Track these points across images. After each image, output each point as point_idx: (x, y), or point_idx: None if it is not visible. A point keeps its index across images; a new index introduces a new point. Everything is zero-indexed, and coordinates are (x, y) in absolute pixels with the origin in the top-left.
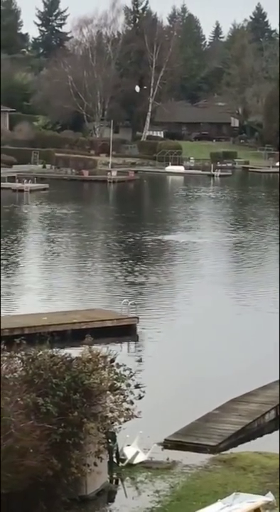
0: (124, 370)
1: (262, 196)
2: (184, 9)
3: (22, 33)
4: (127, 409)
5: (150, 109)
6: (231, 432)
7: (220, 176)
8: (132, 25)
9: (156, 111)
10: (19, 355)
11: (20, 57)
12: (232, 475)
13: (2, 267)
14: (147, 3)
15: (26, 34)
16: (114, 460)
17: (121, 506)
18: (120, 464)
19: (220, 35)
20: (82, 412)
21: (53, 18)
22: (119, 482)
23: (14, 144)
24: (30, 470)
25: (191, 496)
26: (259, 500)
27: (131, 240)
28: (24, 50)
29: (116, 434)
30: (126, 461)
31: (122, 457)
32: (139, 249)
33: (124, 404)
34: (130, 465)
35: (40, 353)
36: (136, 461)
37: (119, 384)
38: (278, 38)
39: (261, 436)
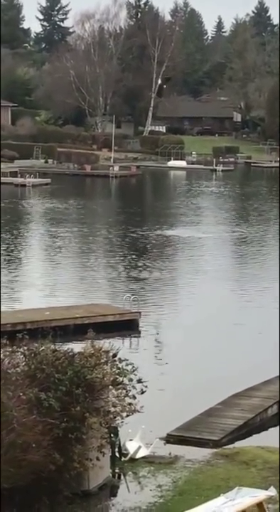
0: (127, 365)
1: (264, 191)
2: (186, 4)
3: (24, 27)
4: (129, 404)
5: (152, 104)
6: (233, 427)
7: (222, 170)
8: (134, 20)
9: (158, 106)
10: (21, 350)
11: (22, 52)
12: (234, 469)
13: (5, 262)
14: None
15: (28, 29)
16: (117, 455)
17: (124, 501)
18: (122, 459)
19: (222, 30)
20: (85, 406)
21: (55, 12)
22: (122, 477)
23: (16, 139)
24: (32, 465)
25: (193, 490)
26: (262, 494)
27: (133, 235)
28: (26, 44)
29: (119, 428)
30: (129, 456)
31: (124, 452)
32: (141, 245)
33: (126, 398)
34: (132, 460)
35: (43, 347)
36: (138, 456)
37: (121, 378)
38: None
39: (263, 430)
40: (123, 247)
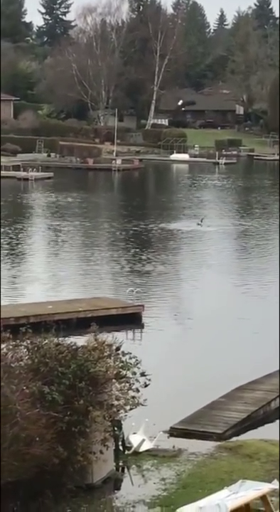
0: (130, 359)
1: (267, 184)
2: None
3: (26, 21)
4: (133, 397)
5: (154, 97)
6: (237, 420)
7: (225, 163)
8: (136, 13)
9: (161, 99)
10: (25, 343)
11: (24, 46)
12: (237, 463)
13: (8, 257)
14: None
15: (30, 22)
16: (120, 448)
17: (128, 494)
18: (126, 452)
19: (225, 23)
20: (88, 400)
21: (57, 6)
22: (125, 470)
23: (19, 133)
24: (36, 458)
25: (197, 483)
26: (265, 487)
27: (136, 228)
28: (28, 38)
29: (122, 422)
30: (132, 449)
31: (128, 445)
32: (144, 238)
33: (129, 392)
34: (136, 453)
35: (46, 341)
36: (142, 449)
37: (124, 372)
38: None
39: (266, 423)
40: (125, 240)
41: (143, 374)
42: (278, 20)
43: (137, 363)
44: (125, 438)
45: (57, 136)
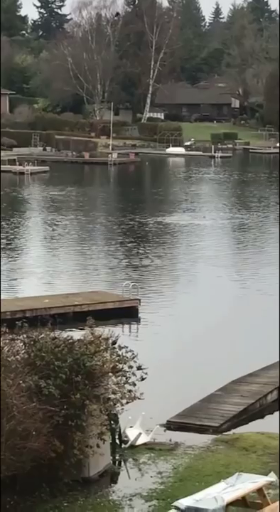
0: (126, 352)
1: (263, 177)
2: None
3: (21, 15)
4: (129, 391)
5: (150, 91)
6: (233, 413)
7: (221, 157)
8: (131, 6)
9: (156, 93)
10: (21, 337)
11: (19, 40)
12: (234, 455)
13: (5, 251)
14: None
15: (25, 16)
16: (117, 442)
17: (124, 487)
18: (123, 446)
19: (220, 16)
20: (85, 394)
21: (52, 0)
22: (122, 463)
23: (14, 127)
24: (32, 452)
25: (194, 476)
26: (262, 480)
27: (132, 222)
28: (23, 32)
29: (119, 415)
30: (129, 443)
31: (125, 439)
32: (140, 232)
33: (126, 385)
34: (133, 446)
35: (42, 335)
36: (138, 443)
37: (121, 366)
38: (278, 19)
39: (263, 416)
40: (122, 234)
41: (139, 368)
42: (273, 14)
43: (133, 357)
44: (122, 432)
45: (52, 130)
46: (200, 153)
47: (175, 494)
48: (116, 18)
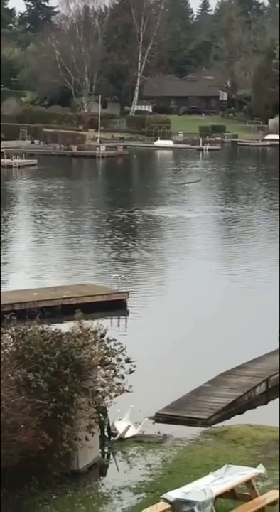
0: (115, 345)
1: (252, 170)
2: None
3: (8, 8)
4: (118, 384)
5: (138, 84)
6: (222, 405)
7: (209, 149)
8: None
9: (144, 85)
10: (9, 331)
11: (7, 33)
12: (223, 448)
13: None
14: None
15: (12, 9)
16: (106, 434)
17: (113, 480)
18: (111, 439)
19: (208, 9)
20: (73, 386)
21: None
22: (111, 456)
23: (2, 120)
24: (21, 445)
25: (183, 469)
26: (250, 472)
27: (121, 215)
28: (10, 25)
29: (107, 408)
30: (118, 436)
31: (114, 431)
32: (129, 225)
33: (114, 378)
34: (121, 439)
35: (31, 328)
36: (127, 436)
37: (109, 358)
38: (265, 12)
39: (252, 409)
40: (110, 227)
41: (128, 360)
42: (260, 6)
43: (122, 350)
44: (110, 424)
45: (40, 123)
46: (189, 146)
47: (164, 486)
48: (103, 11)
